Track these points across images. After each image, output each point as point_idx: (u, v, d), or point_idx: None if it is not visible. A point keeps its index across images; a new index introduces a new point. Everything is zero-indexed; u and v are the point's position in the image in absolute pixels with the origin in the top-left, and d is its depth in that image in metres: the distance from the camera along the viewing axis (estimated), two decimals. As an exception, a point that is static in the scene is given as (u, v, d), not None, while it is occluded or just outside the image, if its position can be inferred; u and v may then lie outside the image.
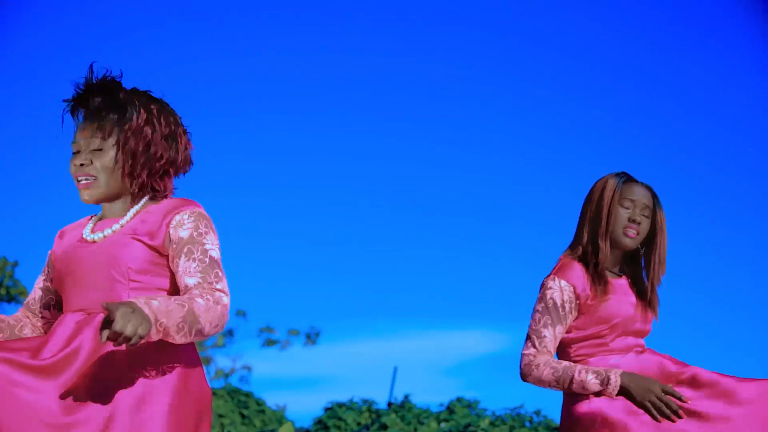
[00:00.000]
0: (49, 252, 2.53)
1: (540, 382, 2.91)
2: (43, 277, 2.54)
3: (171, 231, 2.32)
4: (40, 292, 2.53)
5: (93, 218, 2.46)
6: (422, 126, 18.70)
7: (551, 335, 2.93)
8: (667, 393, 2.82)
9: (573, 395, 2.97)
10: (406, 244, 19.78)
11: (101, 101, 2.37)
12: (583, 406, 2.91)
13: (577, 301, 2.96)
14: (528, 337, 2.96)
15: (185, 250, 2.30)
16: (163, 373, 2.26)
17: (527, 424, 11.92)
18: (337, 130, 19.11)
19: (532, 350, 2.93)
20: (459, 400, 12.45)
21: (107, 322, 2.03)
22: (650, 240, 3.07)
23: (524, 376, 2.95)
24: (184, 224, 2.33)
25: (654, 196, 3.07)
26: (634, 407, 2.85)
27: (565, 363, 2.89)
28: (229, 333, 17.83)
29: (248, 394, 12.78)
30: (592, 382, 2.84)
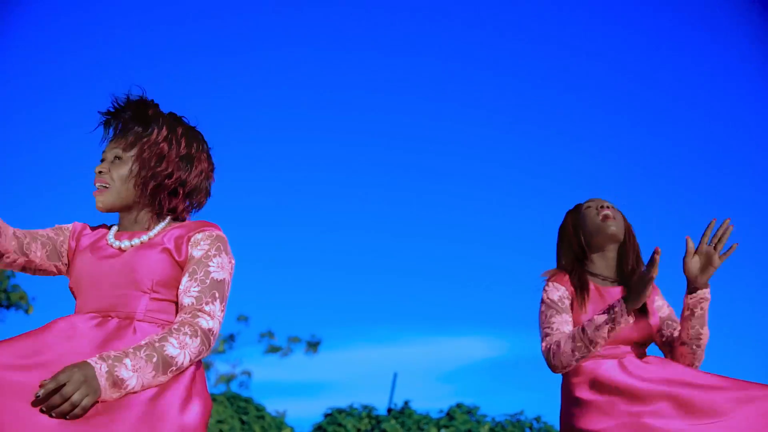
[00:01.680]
0: (72, 225, 2.55)
1: (567, 356, 2.95)
2: (53, 232, 2.53)
3: (190, 248, 2.40)
4: (43, 238, 2.51)
5: (111, 227, 2.52)
6: (420, 137, 18.73)
7: (559, 320, 3.01)
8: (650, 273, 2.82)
9: (569, 404, 2.98)
10: (405, 252, 19.80)
11: (130, 115, 2.48)
12: (578, 411, 2.92)
13: (569, 301, 3.04)
14: (542, 338, 3.03)
15: (191, 270, 2.37)
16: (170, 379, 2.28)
17: (527, 430, 11.91)
18: (338, 140, 19.15)
19: (546, 340, 3.00)
20: (459, 406, 12.44)
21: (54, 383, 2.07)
22: (624, 242, 3.18)
23: (554, 365, 2.98)
24: (199, 244, 2.41)
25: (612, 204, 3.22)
26: (631, 416, 2.85)
27: (574, 329, 2.95)
28: (230, 338, 17.83)
29: (248, 400, 12.78)
30: (601, 318, 2.90)
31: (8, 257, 2.44)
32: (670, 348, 3.13)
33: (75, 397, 2.07)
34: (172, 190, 2.49)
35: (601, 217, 3.13)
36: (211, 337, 2.31)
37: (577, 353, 2.93)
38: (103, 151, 2.50)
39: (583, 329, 2.91)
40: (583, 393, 2.93)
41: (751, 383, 2.91)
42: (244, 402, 12.69)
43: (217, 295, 2.35)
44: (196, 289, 2.34)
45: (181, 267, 2.39)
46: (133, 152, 2.46)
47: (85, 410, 2.09)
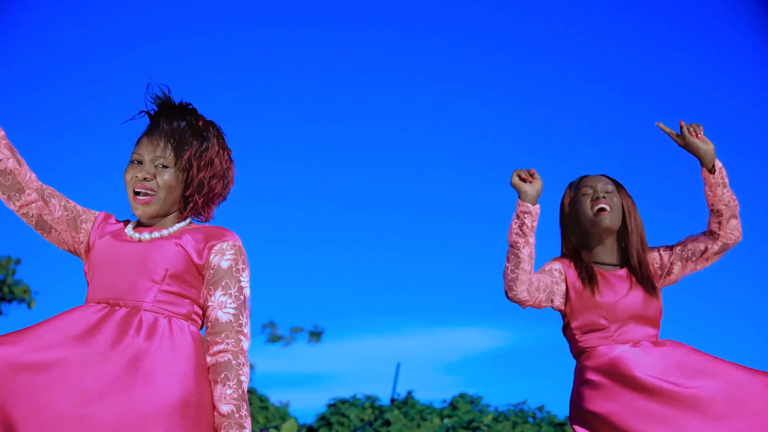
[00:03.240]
0: (99, 213, 2.57)
1: (506, 272, 2.96)
2: (81, 209, 2.55)
3: (212, 256, 2.46)
4: (69, 204, 2.53)
5: (130, 223, 2.56)
6: (421, 127, 18.72)
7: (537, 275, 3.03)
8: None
9: (580, 385, 2.99)
10: (408, 242, 19.81)
11: (186, 124, 2.48)
12: (587, 392, 2.93)
13: (561, 275, 3.02)
14: None
15: (223, 283, 2.44)
16: (174, 369, 2.33)
17: (530, 420, 11.92)
18: (338, 131, 19.14)
19: None
20: (462, 396, 12.45)
21: None
22: (624, 222, 3.15)
23: (505, 291, 2.98)
24: (224, 254, 2.47)
25: (613, 181, 3.15)
26: (639, 393, 2.87)
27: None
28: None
29: (251, 391, 12.80)
30: (513, 220, 2.96)
31: (29, 195, 2.44)
32: (710, 243, 3.13)
33: None
34: (211, 201, 2.57)
35: (594, 211, 3.10)
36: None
37: (509, 263, 2.95)
38: (137, 153, 2.48)
39: (510, 229, 2.95)
40: (594, 376, 2.94)
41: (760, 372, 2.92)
42: (247, 393, 12.73)
43: (248, 313, 2.47)
44: (233, 305, 2.44)
45: (197, 268, 2.43)
46: (183, 163, 2.47)
47: None
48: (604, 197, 3.11)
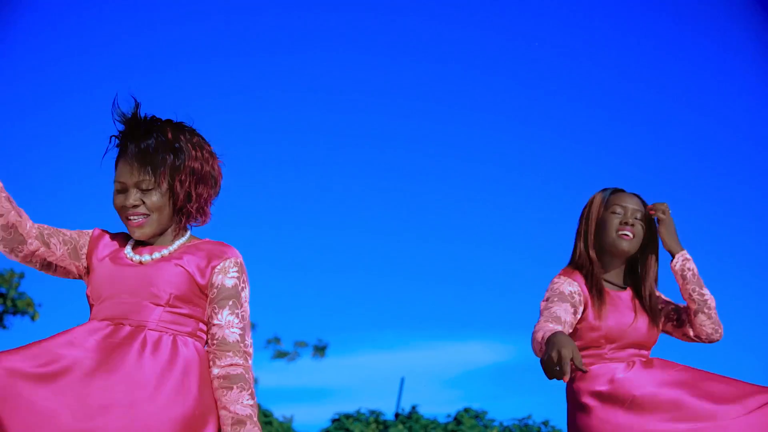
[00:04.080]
0: (92, 231, 2.54)
1: (534, 347, 2.76)
2: (76, 234, 2.52)
3: (215, 276, 2.44)
4: (66, 236, 2.50)
5: (130, 240, 2.51)
6: (427, 140, 18.74)
7: (560, 309, 2.90)
8: (563, 359, 2.45)
9: (575, 409, 2.97)
10: (412, 257, 19.80)
11: (154, 142, 2.41)
12: (584, 417, 2.92)
13: (581, 298, 2.97)
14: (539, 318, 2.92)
15: (230, 302, 2.44)
16: (178, 384, 2.32)
17: (535, 434, 11.88)
18: (342, 143, 19.17)
19: (539, 322, 2.85)
20: (466, 410, 12.42)
21: None
22: (644, 249, 3.12)
23: (533, 347, 2.79)
24: (228, 272, 2.45)
25: (645, 205, 3.12)
26: (637, 412, 2.86)
27: (543, 326, 2.76)
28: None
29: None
30: (538, 336, 2.68)
31: (31, 244, 2.40)
32: (688, 325, 3.15)
33: None
34: (204, 204, 2.51)
35: (618, 234, 3.07)
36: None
37: (535, 349, 2.74)
38: (119, 180, 2.43)
39: (545, 339, 2.60)
40: (590, 400, 2.93)
41: (755, 387, 2.91)
42: (251, 408, 12.67)
43: (249, 333, 2.47)
44: (240, 326, 2.44)
45: (200, 288, 2.43)
46: (166, 180, 2.41)
47: None
48: (632, 224, 3.08)
